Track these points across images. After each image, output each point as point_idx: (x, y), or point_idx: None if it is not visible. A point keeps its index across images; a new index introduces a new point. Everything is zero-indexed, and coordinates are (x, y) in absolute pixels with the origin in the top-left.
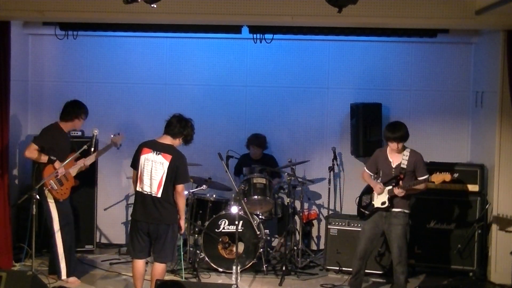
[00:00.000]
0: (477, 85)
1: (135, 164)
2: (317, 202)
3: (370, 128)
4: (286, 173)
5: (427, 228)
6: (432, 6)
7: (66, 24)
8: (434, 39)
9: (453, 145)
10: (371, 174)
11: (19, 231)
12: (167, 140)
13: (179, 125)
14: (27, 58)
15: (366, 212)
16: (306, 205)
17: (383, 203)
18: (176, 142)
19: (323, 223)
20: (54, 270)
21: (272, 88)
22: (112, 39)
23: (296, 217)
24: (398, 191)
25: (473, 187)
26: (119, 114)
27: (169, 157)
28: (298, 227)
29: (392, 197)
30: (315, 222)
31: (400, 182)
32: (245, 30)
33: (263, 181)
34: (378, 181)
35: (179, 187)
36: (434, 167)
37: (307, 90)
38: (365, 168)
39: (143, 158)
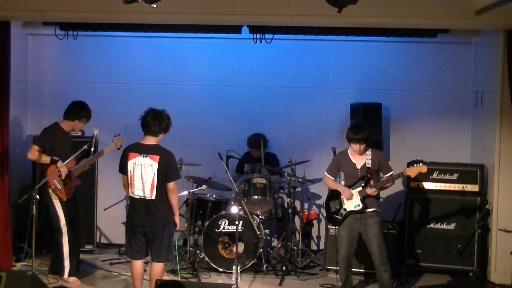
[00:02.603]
0: (477, 85)
1: (123, 169)
2: (317, 202)
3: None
4: (286, 173)
5: (427, 228)
6: (432, 6)
7: (66, 24)
8: (434, 39)
9: (453, 145)
10: (333, 178)
11: (19, 231)
12: (150, 140)
13: (157, 122)
14: (27, 58)
15: (339, 217)
16: (306, 205)
17: (357, 205)
18: (159, 139)
19: (323, 223)
20: (55, 269)
21: (272, 88)
22: (112, 39)
23: (296, 217)
24: (371, 191)
25: (473, 187)
26: (119, 114)
27: (157, 157)
28: (298, 227)
29: (364, 198)
30: (315, 222)
31: (371, 181)
32: (245, 30)
33: (263, 181)
34: (342, 183)
35: (170, 184)
36: (434, 167)
37: (307, 90)
38: (326, 173)
39: (131, 163)
